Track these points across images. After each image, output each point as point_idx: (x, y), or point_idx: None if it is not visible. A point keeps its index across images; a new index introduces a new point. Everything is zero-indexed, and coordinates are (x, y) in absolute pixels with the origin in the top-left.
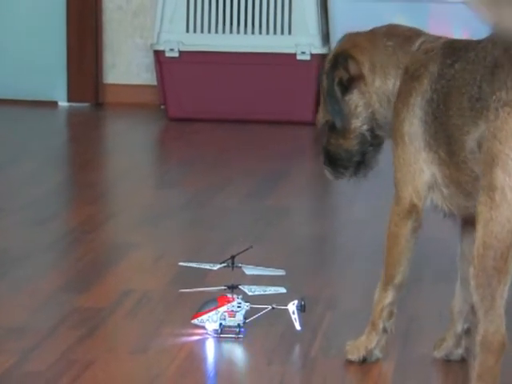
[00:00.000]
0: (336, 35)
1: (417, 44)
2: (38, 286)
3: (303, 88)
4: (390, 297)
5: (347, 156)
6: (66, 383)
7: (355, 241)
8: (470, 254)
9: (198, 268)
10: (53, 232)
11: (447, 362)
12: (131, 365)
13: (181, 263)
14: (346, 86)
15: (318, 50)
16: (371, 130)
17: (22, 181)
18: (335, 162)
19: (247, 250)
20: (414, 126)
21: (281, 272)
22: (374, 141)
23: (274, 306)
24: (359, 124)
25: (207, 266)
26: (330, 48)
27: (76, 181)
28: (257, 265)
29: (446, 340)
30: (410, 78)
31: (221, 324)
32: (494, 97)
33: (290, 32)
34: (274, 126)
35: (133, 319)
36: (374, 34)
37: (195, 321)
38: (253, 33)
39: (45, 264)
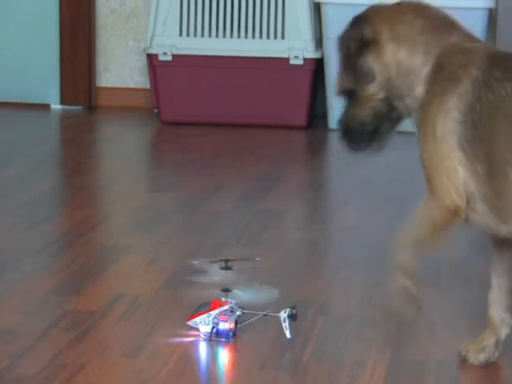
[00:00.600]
0: (329, 40)
1: (452, 38)
2: (29, 288)
3: (296, 92)
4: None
5: (361, 125)
6: None
7: (347, 245)
8: (502, 263)
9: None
10: (45, 235)
11: (438, 366)
12: (123, 368)
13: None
14: (361, 48)
15: (311, 54)
16: (387, 100)
17: (14, 183)
18: (350, 133)
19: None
20: (448, 123)
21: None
22: (389, 113)
23: (266, 313)
24: (374, 89)
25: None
26: (322, 52)
27: (68, 184)
28: (250, 269)
29: (487, 346)
30: (445, 75)
31: (213, 327)
32: None
33: (283, 36)
34: (267, 130)
35: (125, 323)
36: (400, 7)
37: (190, 322)
38: (246, 37)
39: (37, 267)
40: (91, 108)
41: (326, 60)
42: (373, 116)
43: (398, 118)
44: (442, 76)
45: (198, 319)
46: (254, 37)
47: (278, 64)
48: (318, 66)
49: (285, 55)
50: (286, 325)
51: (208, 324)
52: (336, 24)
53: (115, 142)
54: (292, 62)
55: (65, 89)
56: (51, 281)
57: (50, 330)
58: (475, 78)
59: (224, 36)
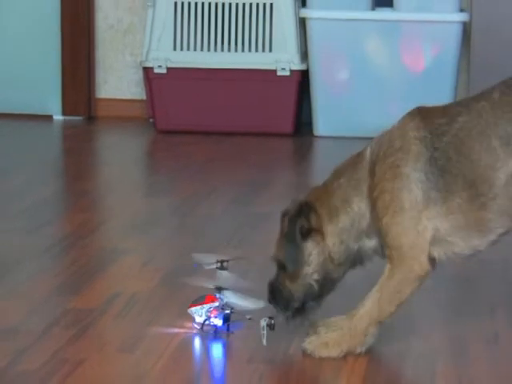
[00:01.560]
0: (313, 52)
1: (367, 153)
2: (32, 288)
3: (283, 102)
4: (375, 330)
5: (288, 298)
6: (58, 381)
7: None
8: None
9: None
10: (47, 238)
11: (417, 358)
12: (120, 363)
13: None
14: (304, 234)
15: (297, 66)
16: (322, 280)
17: (18, 189)
18: (277, 300)
19: (239, 259)
20: (412, 191)
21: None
22: (319, 293)
23: (250, 317)
24: (310, 271)
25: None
26: (307, 64)
27: (69, 190)
28: (241, 269)
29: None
30: (385, 160)
31: (205, 320)
32: None
33: (270, 49)
34: (255, 138)
35: (122, 320)
36: (326, 185)
37: (188, 310)
38: (236, 50)
39: (39, 268)
40: (91, 118)
41: (310, 71)
42: (302, 294)
43: (322, 298)
44: (382, 164)
45: (193, 309)
46: (243, 50)
47: (266, 75)
48: (303, 77)
49: (272, 67)
50: (264, 332)
51: (201, 316)
52: (320, 38)
53: (113, 150)
54: (279, 73)
55: (66, 100)
56: (52, 281)
57: (51, 328)
58: (419, 137)
59: (215, 50)
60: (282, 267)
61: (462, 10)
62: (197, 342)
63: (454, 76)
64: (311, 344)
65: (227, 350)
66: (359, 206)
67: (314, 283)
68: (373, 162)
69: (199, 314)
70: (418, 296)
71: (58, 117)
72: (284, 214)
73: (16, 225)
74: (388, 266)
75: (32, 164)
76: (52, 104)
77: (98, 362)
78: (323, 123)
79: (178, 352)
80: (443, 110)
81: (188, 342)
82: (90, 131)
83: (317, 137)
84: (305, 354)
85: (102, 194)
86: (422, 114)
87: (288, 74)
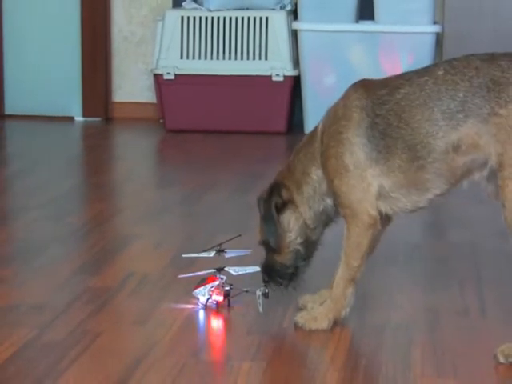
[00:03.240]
0: (304, 60)
1: (319, 126)
2: (56, 269)
3: (277, 104)
4: (351, 290)
5: (282, 270)
6: (80, 350)
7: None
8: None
9: (198, 257)
10: (69, 225)
11: (396, 330)
12: (133, 334)
13: (184, 255)
14: (281, 209)
15: (290, 72)
16: (305, 242)
17: (43, 182)
18: (273, 276)
19: (235, 237)
20: (355, 153)
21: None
22: (306, 254)
23: (247, 289)
24: (293, 237)
25: (205, 255)
26: (299, 71)
27: (89, 182)
28: (242, 248)
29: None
30: (330, 128)
31: (208, 298)
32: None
33: (266, 58)
34: (253, 136)
35: (135, 297)
36: (288, 164)
37: (193, 292)
38: (236, 59)
39: (62, 251)
40: (108, 119)
41: (302, 77)
42: (292, 260)
43: (311, 256)
44: (328, 132)
45: (197, 291)
46: (242, 58)
47: (262, 81)
48: (295, 82)
49: (268, 73)
50: (259, 301)
51: (204, 295)
52: (310, 47)
53: (128, 148)
54: (274, 79)
55: (86, 104)
56: (74, 263)
57: (73, 303)
58: (360, 106)
59: (218, 58)
60: (268, 248)
61: (435, 23)
62: (201, 316)
63: None
64: (302, 318)
65: (228, 323)
66: (317, 174)
67: (299, 247)
68: (322, 133)
69: (202, 293)
70: (396, 276)
71: (79, 118)
72: (259, 200)
73: (42, 214)
74: (345, 227)
75: (56, 160)
76: (73, 107)
77: (114, 334)
78: (313, 123)
79: (185, 325)
80: (385, 82)
81: (194, 316)
82: (107, 131)
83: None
84: (296, 326)
85: (118, 185)
86: (364, 86)
87: (282, 79)
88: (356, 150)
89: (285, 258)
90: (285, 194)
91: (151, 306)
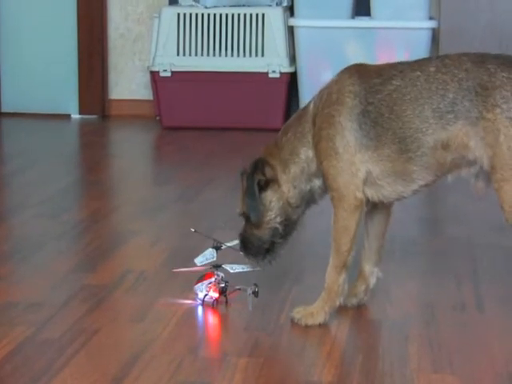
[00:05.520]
0: (300, 57)
1: (311, 107)
2: (52, 267)
3: (274, 100)
4: (343, 277)
5: (258, 244)
6: (77, 348)
7: (318, 225)
8: (375, 232)
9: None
10: (66, 222)
11: (392, 325)
12: (131, 331)
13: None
14: (263, 186)
15: (287, 69)
16: (284, 221)
17: (40, 180)
18: (249, 248)
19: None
20: (345, 137)
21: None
22: (284, 233)
23: (240, 287)
24: (273, 216)
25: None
26: (295, 67)
27: (85, 180)
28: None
29: (359, 292)
30: (323, 111)
31: (206, 294)
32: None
33: (263, 54)
34: (249, 132)
35: (132, 294)
36: (276, 141)
37: (194, 287)
38: (232, 55)
39: (59, 249)
40: (104, 117)
41: (298, 74)
42: (269, 236)
43: (289, 235)
44: (321, 115)
45: (196, 286)
46: (238, 55)
47: (259, 77)
48: (291, 78)
49: (264, 70)
50: (249, 299)
51: (202, 291)
52: (306, 44)
53: (124, 145)
54: (270, 75)
55: (82, 101)
56: (71, 260)
57: (70, 301)
58: (354, 92)
59: (214, 55)
60: (247, 219)
61: (431, 18)
62: (199, 312)
63: None
64: (299, 313)
65: (225, 319)
66: (307, 154)
67: (278, 226)
68: (315, 114)
69: (200, 289)
70: (393, 271)
71: (76, 115)
72: (242, 173)
73: (38, 211)
74: (333, 211)
75: (53, 158)
76: (70, 104)
77: (111, 331)
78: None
79: (182, 321)
80: (379, 71)
81: (191, 313)
82: (103, 128)
83: None
84: (293, 322)
85: (115, 183)
86: (359, 72)
87: (278, 75)
88: (347, 134)
89: (262, 234)
90: (268, 173)
91: (148, 303)
